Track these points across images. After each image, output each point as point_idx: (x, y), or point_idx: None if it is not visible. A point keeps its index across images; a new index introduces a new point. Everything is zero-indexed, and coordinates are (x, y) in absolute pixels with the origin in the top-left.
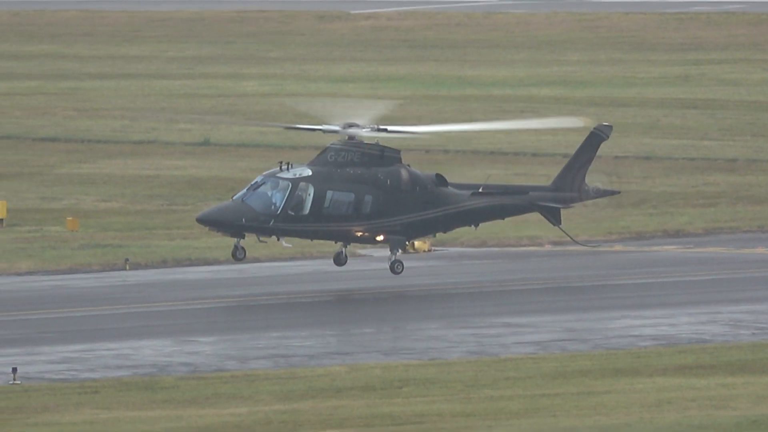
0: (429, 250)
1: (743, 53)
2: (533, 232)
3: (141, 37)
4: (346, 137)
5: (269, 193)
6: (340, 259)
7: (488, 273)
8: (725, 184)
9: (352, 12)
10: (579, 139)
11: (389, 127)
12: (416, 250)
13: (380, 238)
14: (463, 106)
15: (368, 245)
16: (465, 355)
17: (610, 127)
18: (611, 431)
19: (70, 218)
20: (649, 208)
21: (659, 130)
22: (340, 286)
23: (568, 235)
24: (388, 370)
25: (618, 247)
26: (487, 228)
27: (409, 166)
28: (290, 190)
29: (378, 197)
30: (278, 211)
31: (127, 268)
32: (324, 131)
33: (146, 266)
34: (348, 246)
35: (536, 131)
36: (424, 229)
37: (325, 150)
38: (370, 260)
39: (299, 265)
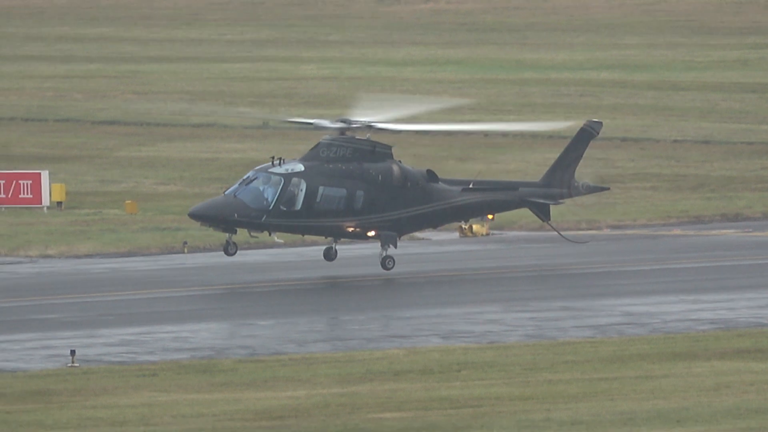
0: (487, 234)
1: None
2: (592, 215)
3: (200, 20)
4: (338, 132)
5: (261, 189)
6: (330, 254)
7: (546, 257)
8: None
9: None
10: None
11: (378, 124)
12: (474, 234)
13: (371, 233)
14: (522, 89)
15: (359, 241)
16: (523, 339)
17: (600, 124)
18: (669, 415)
19: (129, 201)
20: (707, 191)
21: (718, 114)
22: (397, 270)
23: (557, 231)
24: (446, 353)
25: (676, 231)
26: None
27: (400, 161)
28: (282, 186)
29: (369, 193)
30: (270, 207)
31: (186, 251)
32: (317, 127)
33: (204, 249)
34: (338, 241)
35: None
36: (415, 224)
37: (316, 145)
38: (429, 243)
39: (356, 248)
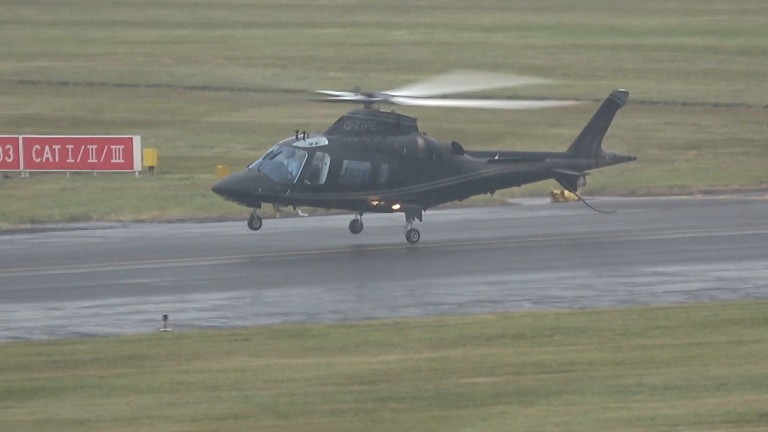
0: (578, 199)
1: None
2: (683, 181)
3: None
4: (363, 105)
5: (285, 163)
6: (355, 227)
7: (638, 222)
8: None
9: None
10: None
11: (397, 99)
12: (566, 199)
13: (396, 207)
14: (613, 55)
15: (385, 214)
16: (615, 304)
17: (626, 93)
18: (761, 380)
19: (221, 166)
20: None
21: None
22: (490, 234)
23: (584, 201)
24: (538, 318)
25: None
26: (636, 177)
27: (425, 134)
28: (306, 160)
29: (394, 166)
30: (294, 181)
31: (277, 216)
32: (340, 100)
33: (295, 214)
34: (363, 214)
35: (686, 80)
36: (441, 197)
37: (340, 119)
38: (520, 209)
39: (448, 213)
